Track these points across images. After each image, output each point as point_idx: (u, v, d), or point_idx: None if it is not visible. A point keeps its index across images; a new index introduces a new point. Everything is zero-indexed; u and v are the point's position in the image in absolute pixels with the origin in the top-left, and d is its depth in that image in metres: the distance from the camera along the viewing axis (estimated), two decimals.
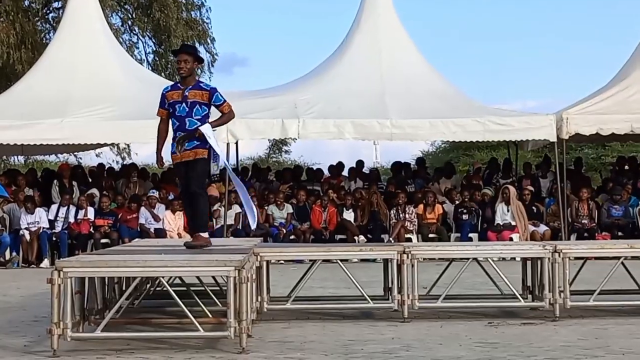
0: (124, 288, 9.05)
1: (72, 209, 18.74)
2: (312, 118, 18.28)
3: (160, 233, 18.09)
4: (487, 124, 18.41)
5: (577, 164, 22.30)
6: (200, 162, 8.79)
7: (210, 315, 8.18)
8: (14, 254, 18.27)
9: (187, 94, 8.80)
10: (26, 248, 18.19)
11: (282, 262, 15.78)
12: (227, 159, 18.69)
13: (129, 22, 32.05)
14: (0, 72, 28.19)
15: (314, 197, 19.64)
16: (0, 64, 27.37)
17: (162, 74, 28.91)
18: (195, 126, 8.72)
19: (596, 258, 11.29)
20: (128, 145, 29.97)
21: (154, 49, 32.22)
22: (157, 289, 9.84)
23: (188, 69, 8.90)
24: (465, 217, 19.02)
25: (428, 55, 20.84)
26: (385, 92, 19.02)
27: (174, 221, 18.40)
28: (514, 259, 12.01)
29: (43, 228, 18.24)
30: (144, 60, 31.40)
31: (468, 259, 9.46)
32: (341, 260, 9.38)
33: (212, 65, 32.40)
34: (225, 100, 8.97)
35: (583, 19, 63.89)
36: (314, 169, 23.48)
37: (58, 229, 18.50)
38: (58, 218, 18.61)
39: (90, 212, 18.68)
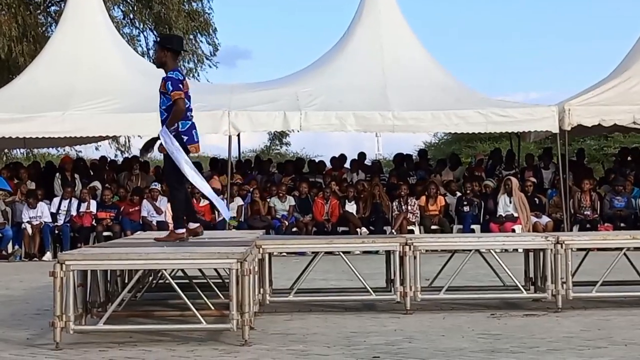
0: (126, 281, 9.08)
1: (75, 202, 18.74)
2: (314, 110, 18.28)
3: (163, 225, 18.06)
4: (490, 116, 18.40)
5: (579, 155, 22.27)
6: (169, 157, 8.71)
7: (213, 308, 8.19)
8: (17, 247, 18.28)
9: (160, 84, 8.78)
10: (28, 241, 18.20)
11: (284, 254, 15.76)
12: (229, 151, 18.81)
13: (131, 15, 32.02)
14: (2, 65, 28.18)
15: (316, 189, 19.64)
16: (2, 56, 27.36)
17: None
18: (163, 117, 8.66)
19: (598, 249, 11.30)
20: (128, 140, 29.94)
21: (155, 40, 32.18)
22: (160, 281, 9.85)
23: (156, 58, 9.02)
24: (467, 208, 19.02)
25: (430, 48, 20.84)
26: (387, 85, 19.01)
27: None
28: (517, 250, 12.01)
29: (45, 222, 18.26)
30: (145, 53, 31.37)
31: (470, 250, 9.46)
32: (343, 252, 9.38)
33: (215, 55, 32.35)
34: (173, 89, 8.57)
35: (585, 11, 63.98)
36: (316, 161, 23.48)
37: (60, 222, 18.51)
38: (60, 211, 18.63)
39: (93, 205, 18.70)
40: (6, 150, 28.45)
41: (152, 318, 8.21)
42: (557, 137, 18.65)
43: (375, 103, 18.51)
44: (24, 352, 7.01)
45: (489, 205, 19.00)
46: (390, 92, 18.80)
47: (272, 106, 18.52)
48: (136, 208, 18.73)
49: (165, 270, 7.62)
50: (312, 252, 10.16)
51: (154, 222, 18.35)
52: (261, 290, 9.05)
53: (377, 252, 13.90)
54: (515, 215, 18.48)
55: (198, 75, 30.94)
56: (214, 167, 21.05)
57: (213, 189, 19.44)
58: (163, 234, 9.84)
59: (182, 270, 9.05)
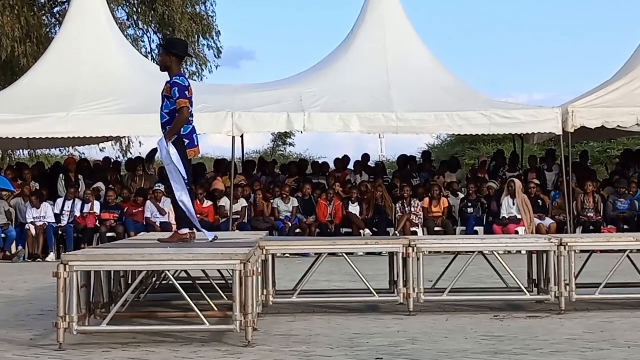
0: (129, 282, 9.08)
1: (78, 203, 18.75)
2: (318, 111, 18.28)
3: (166, 227, 18.06)
4: (493, 117, 18.39)
5: (582, 157, 22.28)
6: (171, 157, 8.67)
7: (216, 309, 8.18)
8: (20, 247, 18.30)
9: (164, 87, 8.75)
10: (32, 242, 18.21)
11: (288, 255, 15.79)
12: (233, 152, 18.81)
13: (134, 17, 32.04)
14: (5, 66, 28.21)
15: (319, 191, 19.64)
16: (5, 57, 27.38)
17: None
18: (164, 120, 8.64)
19: (602, 251, 11.30)
20: (130, 141, 29.97)
21: (159, 43, 32.19)
22: (163, 282, 9.85)
23: (160, 62, 8.98)
24: (470, 210, 19.01)
25: (434, 48, 20.88)
26: (391, 86, 19.01)
27: None
28: (520, 252, 12.02)
29: (49, 223, 18.28)
30: (149, 54, 31.39)
31: (474, 252, 9.46)
32: (347, 254, 9.39)
33: (218, 57, 32.34)
34: (180, 96, 8.53)
35: (589, 11, 63.87)
36: (320, 162, 23.47)
37: (64, 222, 18.52)
38: (64, 212, 18.63)
39: (96, 206, 18.70)
40: (10, 151, 28.49)
41: (155, 319, 8.22)
42: (560, 139, 18.65)
43: (379, 104, 18.51)
44: (27, 352, 7.02)
45: (493, 207, 18.99)
46: (394, 93, 18.80)
47: (275, 107, 18.52)
48: (140, 209, 18.74)
49: (168, 271, 7.62)
50: (316, 254, 10.18)
51: (158, 223, 18.35)
52: (264, 291, 9.05)
53: (380, 254, 13.92)
54: (519, 217, 18.46)
55: (201, 80, 30.92)
56: (219, 169, 21.04)
57: (216, 190, 19.49)
58: (167, 235, 9.84)
59: (186, 271, 9.06)
